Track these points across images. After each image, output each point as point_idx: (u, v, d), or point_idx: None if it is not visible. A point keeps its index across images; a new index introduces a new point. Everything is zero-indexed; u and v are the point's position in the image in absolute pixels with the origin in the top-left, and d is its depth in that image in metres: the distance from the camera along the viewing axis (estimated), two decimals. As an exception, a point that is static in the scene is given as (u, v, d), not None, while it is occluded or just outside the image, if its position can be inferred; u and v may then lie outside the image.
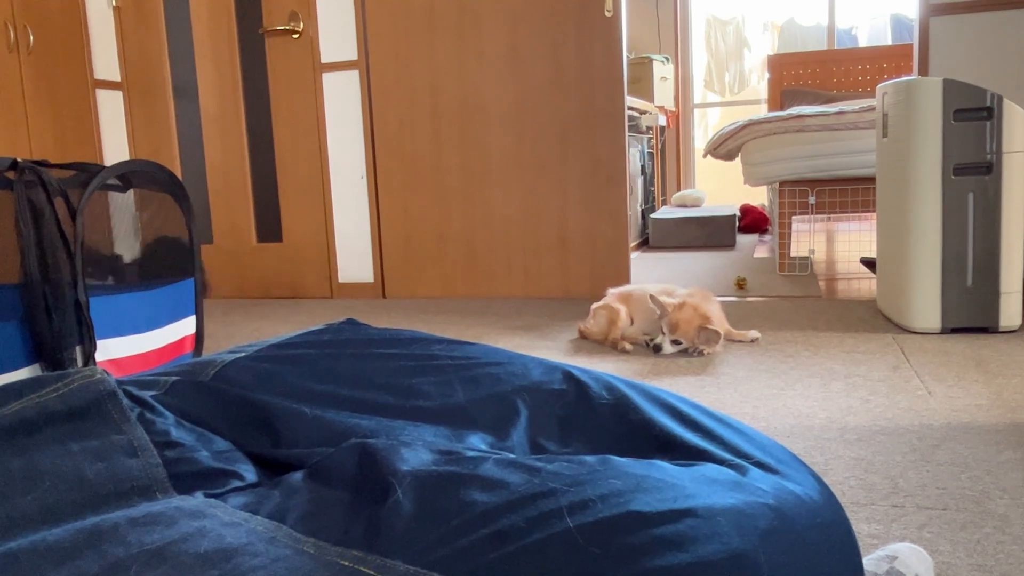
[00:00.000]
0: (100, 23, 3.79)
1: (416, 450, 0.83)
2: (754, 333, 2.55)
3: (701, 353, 2.38)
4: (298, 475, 0.87)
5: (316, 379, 1.06)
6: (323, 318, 3.25)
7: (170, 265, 2.22)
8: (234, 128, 3.81)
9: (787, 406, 1.87)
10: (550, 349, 2.54)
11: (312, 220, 3.76)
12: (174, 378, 1.04)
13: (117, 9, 3.83)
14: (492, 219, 3.51)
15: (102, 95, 3.79)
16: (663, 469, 0.77)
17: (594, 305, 2.65)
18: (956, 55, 3.36)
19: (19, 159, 1.83)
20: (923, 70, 3.40)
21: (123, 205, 2.13)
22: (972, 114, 2.41)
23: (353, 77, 3.61)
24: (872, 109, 3.65)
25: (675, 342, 2.39)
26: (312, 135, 3.70)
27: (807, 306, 3.03)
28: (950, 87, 2.40)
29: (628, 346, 2.50)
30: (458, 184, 3.54)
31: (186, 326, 2.23)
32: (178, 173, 3.91)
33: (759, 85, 7.30)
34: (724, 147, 4.20)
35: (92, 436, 0.83)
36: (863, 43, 6.79)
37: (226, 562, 0.65)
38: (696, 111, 7.18)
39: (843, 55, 6.02)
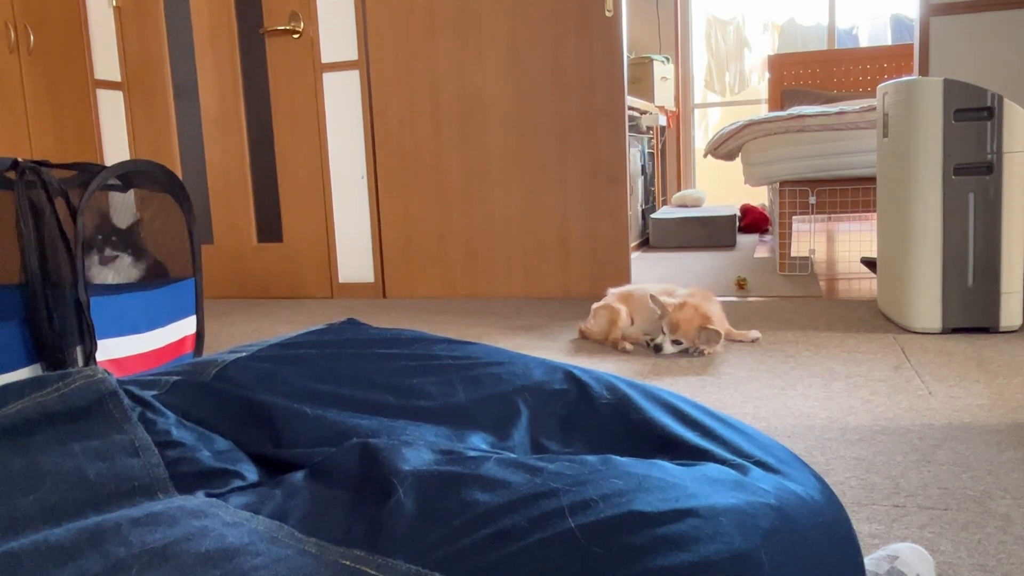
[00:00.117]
0: (100, 23, 3.79)
1: (417, 450, 0.83)
2: (755, 333, 2.55)
3: (702, 353, 2.38)
4: (299, 475, 0.86)
5: (317, 379, 1.06)
6: (323, 318, 3.25)
7: (170, 265, 2.22)
8: (234, 128, 3.81)
9: (788, 406, 1.87)
10: (551, 349, 2.54)
11: (312, 220, 3.76)
12: (175, 378, 1.04)
13: (117, 9, 3.83)
14: (492, 219, 3.51)
15: (102, 95, 3.80)
16: (665, 469, 0.77)
17: (595, 305, 2.64)
18: (956, 55, 3.36)
19: (20, 159, 1.83)
20: (923, 70, 3.40)
21: (123, 205, 2.13)
22: (972, 114, 2.41)
23: (353, 77, 3.61)
24: (872, 109, 3.65)
25: (676, 342, 2.39)
26: (312, 135, 3.70)
27: (808, 306, 3.03)
28: (950, 87, 2.40)
29: (629, 346, 2.50)
30: (458, 184, 3.54)
31: (187, 326, 2.23)
32: (178, 173, 3.91)
33: (759, 85, 7.30)
34: (724, 147, 4.20)
35: (93, 436, 0.83)
36: (863, 43, 6.79)
37: (228, 562, 0.65)
38: (696, 111, 7.18)
39: (843, 55, 6.02)
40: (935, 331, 2.51)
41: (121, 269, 2.22)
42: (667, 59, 6.31)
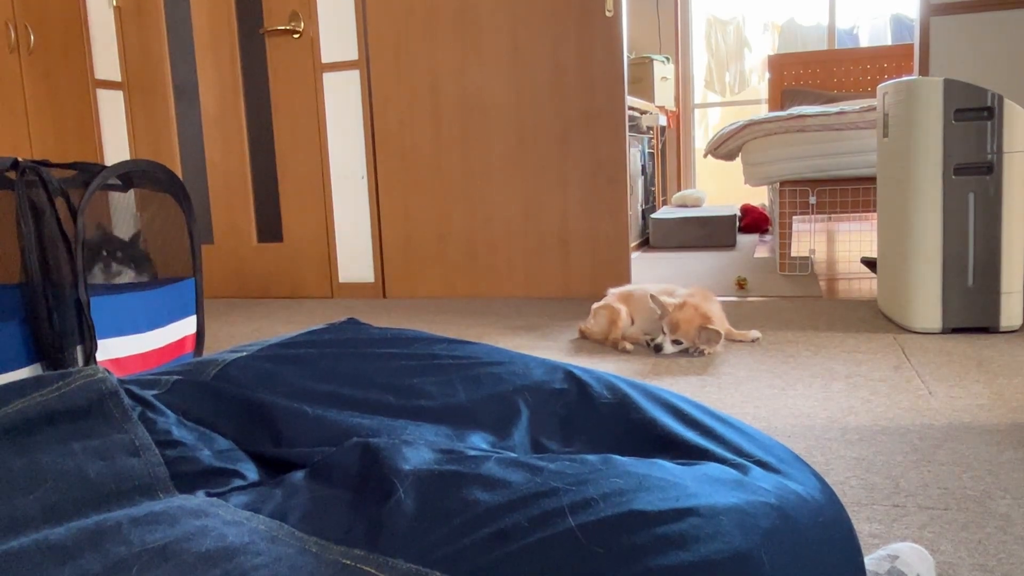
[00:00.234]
0: (101, 23, 3.79)
1: (418, 449, 0.83)
2: (755, 333, 2.55)
3: (702, 353, 2.38)
4: (300, 474, 0.86)
5: (317, 378, 1.06)
6: (323, 318, 3.25)
7: (171, 265, 2.22)
8: (234, 128, 3.81)
9: (788, 406, 1.87)
10: (551, 349, 2.54)
11: (312, 220, 3.76)
12: (175, 377, 1.04)
13: (118, 9, 3.83)
14: (493, 219, 3.51)
15: (103, 95, 3.80)
16: (665, 468, 0.77)
17: (595, 305, 2.64)
18: (957, 55, 3.36)
19: (20, 159, 1.83)
20: (924, 70, 3.40)
21: (124, 205, 2.13)
22: (973, 114, 2.41)
23: (353, 77, 3.61)
24: (873, 109, 3.65)
25: (676, 342, 2.39)
26: (312, 135, 3.70)
27: (808, 306, 3.03)
28: (951, 87, 2.40)
29: (629, 346, 2.50)
30: (458, 184, 3.54)
31: (187, 326, 2.23)
32: (178, 173, 3.91)
33: (760, 85, 7.30)
34: (725, 147, 4.20)
35: (94, 435, 0.83)
36: (863, 43, 6.79)
37: (228, 561, 0.65)
38: (696, 111, 7.18)
39: (843, 55, 6.02)
40: (935, 331, 2.51)
41: (121, 269, 2.22)
42: (667, 59, 6.31)
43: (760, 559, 0.65)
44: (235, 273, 3.90)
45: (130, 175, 2.10)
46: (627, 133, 3.33)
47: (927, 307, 2.50)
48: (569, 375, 1.08)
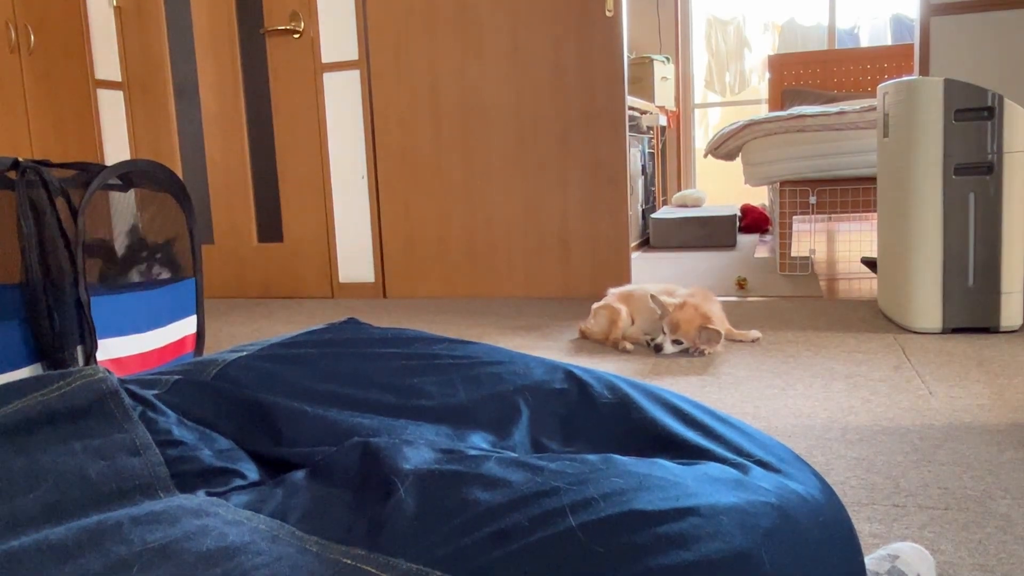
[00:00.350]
0: (101, 23, 3.79)
1: (418, 449, 0.83)
2: (755, 333, 2.55)
3: (702, 353, 2.38)
4: (300, 474, 0.86)
5: (318, 378, 1.06)
6: (324, 318, 3.25)
7: (171, 265, 2.22)
8: (235, 128, 3.81)
9: (788, 406, 1.87)
10: (551, 349, 2.54)
11: (313, 220, 3.76)
12: (176, 377, 1.04)
13: (118, 9, 3.83)
14: (493, 219, 3.51)
15: (103, 95, 3.80)
16: (665, 468, 0.77)
17: (595, 305, 2.64)
18: (957, 55, 3.36)
19: (20, 159, 1.83)
20: (924, 70, 3.40)
21: (124, 205, 2.13)
22: (973, 114, 2.41)
23: (354, 77, 3.61)
24: (873, 109, 3.66)
25: (676, 342, 2.39)
26: (313, 135, 3.70)
27: (808, 306, 3.03)
28: (951, 87, 2.40)
29: (629, 346, 2.50)
30: (459, 184, 3.54)
31: (187, 325, 2.23)
32: (179, 173, 3.91)
33: (760, 85, 7.30)
34: (725, 147, 4.20)
35: (94, 435, 0.83)
36: (864, 43, 6.79)
37: (229, 560, 0.65)
38: (697, 111, 7.18)
39: (844, 55, 6.02)
40: (935, 331, 2.51)
41: (122, 269, 2.23)
42: (667, 59, 6.31)
43: (760, 558, 0.65)
44: (235, 273, 3.90)
45: (130, 175, 2.10)
46: (627, 133, 3.33)
47: (927, 307, 2.50)
48: (569, 375, 1.08)
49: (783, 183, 3.74)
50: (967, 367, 2.13)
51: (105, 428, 0.84)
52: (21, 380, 0.89)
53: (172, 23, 3.82)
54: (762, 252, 4.64)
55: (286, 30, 3.63)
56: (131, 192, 2.14)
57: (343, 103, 3.64)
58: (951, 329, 2.50)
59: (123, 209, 2.12)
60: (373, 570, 0.65)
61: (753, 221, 5.65)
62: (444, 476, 0.75)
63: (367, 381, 1.06)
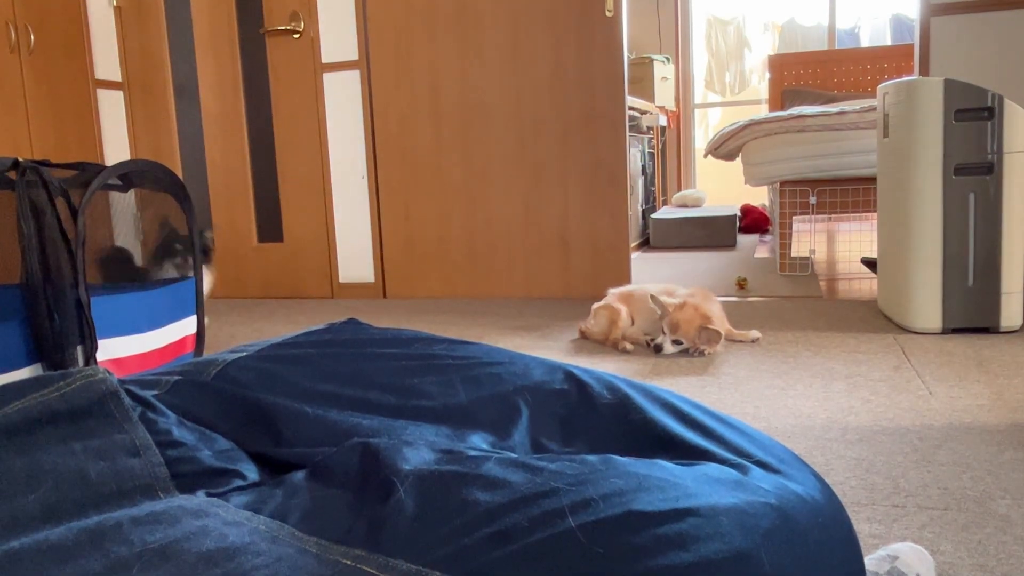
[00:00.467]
0: (101, 23, 3.79)
1: (418, 449, 0.83)
2: (755, 333, 2.55)
3: (702, 353, 2.38)
4: (300, 474, 0.87)
5: (318, 379, 1.06)
6: (324, 318, 3.25)
7: (171, 265, 2.22)
8: (235, 128, 3.81)
9: (788, 406, 1.87)
10: (551, 349, 2.54)
11: (313, 220, 3.76)
12: (176, 378, 1.04)
13: (118, 9, 3.83)
14: (493, 219, 3.51)
15: (103, 95, 3.80)
16: (665, 468, 0.77)
17: (595, 305, 2.65)
18: (957, 55, 3.36)
19: (20, 159, 1.83)
20: (924, 70, 3.40)
21: (124, 205, 2.13)
22: (973, 114, 2.41)
23: (354, 77, 3.61)
24: (873, 109, 3.66)
25: (676, 342, 2.39)
26: (313, 135, 3.70)
27: (808, 306, 3.03)
28: (951, 87, 2.40)
29: (629, 346, 2.50)
30: (459, 184, 3.54)
31: (187, 326, 2.23)
32: (179, 173, 3.91)
33: (760, 85, 7.30)
34: (725, 147, 4.20)
35: (94, 435, 0.83)
36: (864, 43, 6.79)
37: (229, 561, 0.65)
38: (697, 111, 7.18)
39: (844, 55, 6.02)
40: (935, 331, 2.51)
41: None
42: (667, 59, 6.31)
43: (760, 559, 0.65)
44: (235, 273, 3.90)
45: (130, 175, 2.11)
46: (627, 133, 3.33)
47: (927, 307, 2.50)
48: (569, 375, 1.08)
49: (783, 183, 3.74)
50: (967, 367, 2.13)
51: (105, 429, 0.85)
52: (21, 380, 0.89)
53: (172, 23, 3.82)
54: (762, 252, 4.64)
55: (286, 30, 3.63)
56: (131, 192, 2.14)
57: (343, 103, 3.64)
58: (951, 329, 2.51)
59: (123, 209, 2.12)
60: (373, 571, 0.65)
61: (753, 221, 5.65)
62: (444, 477, 0.76)
63: (367, 381, 1.06)
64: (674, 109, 6.61)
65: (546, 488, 0.71)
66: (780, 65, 6.07)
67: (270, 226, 3.86)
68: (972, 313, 2.48)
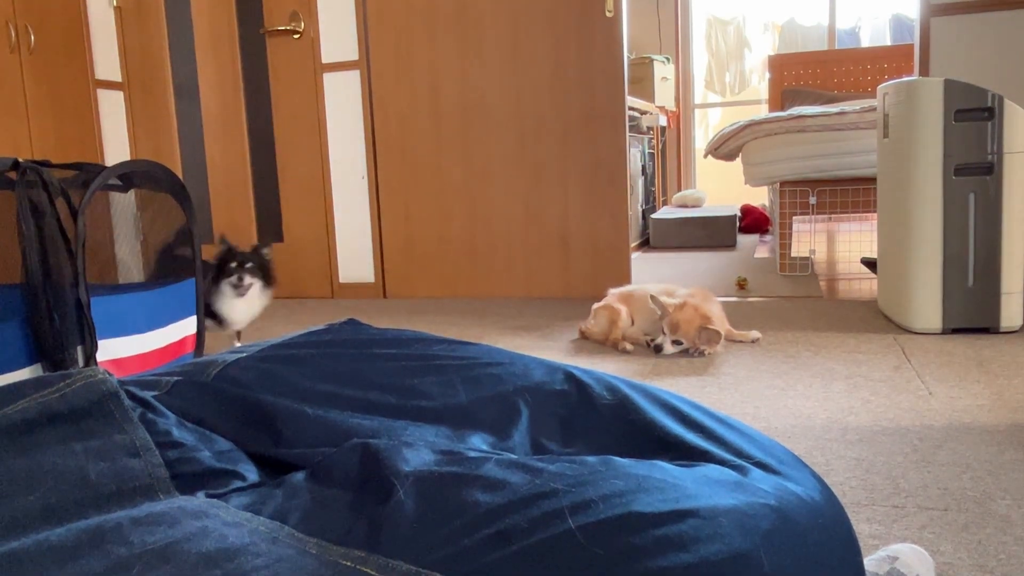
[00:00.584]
0: (101, 23, 3.79)
1: (418, 450, 0.83)
2: (755, 333, 2.55)
3: (702, 353, 2.38)
4: (300, 475, 0.87)
5: (318, 379, 1.06)
6: (324, 318, 3.25)
7: (171, 265, 2.22)
8: (235, 128, 3.81)
9: (788, 406, 1.87)
10: (551, 349, 2.54)
11: (313, 220, 3.76)
12: (175, 378, 1.04)
13: (118, 9, 3.83)
14: (493, 219, 3.52)
15: (103, 95, 3.80)
16: (665, 470, 0.77)
17: (595, 305, 2.65)
18: (957, 55, 3.36)
19: (20, 159, 1.83)
20: (924, 70, 3.40)
21: (124, 205, 2.13)
22: (973, 114, 2.41)
23: (354, 77, 3.61)
24: (873, 109, 3.65)
25: (676, 342, 2.39)
26: (313, 135, 3.70)
27: (808, 306, 3.03)
28: (951, 87, 2.40)
29: (629, 346, 2.50)
30: (459, 184, 3.54)
31: (187, 326, 2.23)
32: (179, 173, 3.92)
33: (760, 85, 7.30)
34: (725, 147, 4.20)
35: (94, 436, 0.83)
36: (864, 43, 6.79)
37: (229, 562, 0.65)
38: (697, 111, 7.18)
39: (844, 55, 6.01)
40: (935, 331, 2.51)
41: (252, 297, 2.49)
42: (667, 59, 6.31)
43: (760, 560, 0.65)
44: (235, 273, 3.90)
45: (130, 175, 2.11)
46: (627, 133, 3.33)
47: (927, 307, 2.50)
48: (569, 376, 1.08)
49: (783, 183, 3.74)
50: (967, 367, 2.13)
51: (105, 429, 0.85)
52: (21, 381, 0.89)
53: (172, 23, 3.82)
54: (762, 252, 4.64)
55: (286, 30, 3.63)
56: (131, 192, 2.14)
57: (343, 103, 3.64)
58: (951, 329, 2.51)
59: (123, 209, 2.12)
60: (372, 572, 0.65)
61: (753, 221, 5.65)
62: (443, 478, 0.76)
63: (367, 382, 1.06)
64: (674, 109, 6.61)
65: (546, 489, 0.71)
66: (780, 65, 6.07)
67: (270, 226, 3.86)
68: (972, 313, 2.48)
